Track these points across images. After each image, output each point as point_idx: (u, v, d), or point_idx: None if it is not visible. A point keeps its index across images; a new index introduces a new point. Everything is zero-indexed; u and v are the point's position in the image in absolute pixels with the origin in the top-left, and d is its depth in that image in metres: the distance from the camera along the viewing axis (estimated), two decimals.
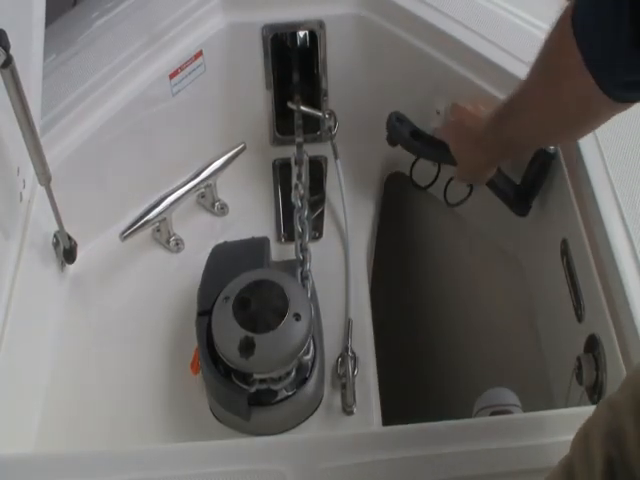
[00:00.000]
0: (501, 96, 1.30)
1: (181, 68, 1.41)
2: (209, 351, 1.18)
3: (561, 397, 1.24)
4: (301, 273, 1.31)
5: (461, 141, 1.25)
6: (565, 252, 1.22)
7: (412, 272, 1.77)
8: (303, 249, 1.35)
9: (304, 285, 1.29)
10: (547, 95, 1.01)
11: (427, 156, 1.41)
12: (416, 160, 1.45)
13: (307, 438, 1.08)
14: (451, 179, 1.38)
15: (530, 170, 1.30)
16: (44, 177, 1.14)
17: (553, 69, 0.98)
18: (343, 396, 1.21)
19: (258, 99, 1.54)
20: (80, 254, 1.32)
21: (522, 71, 1.27)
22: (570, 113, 1.00)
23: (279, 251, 1.41)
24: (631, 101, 0.91)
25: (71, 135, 1.30)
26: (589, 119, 1.01)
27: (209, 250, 1.33)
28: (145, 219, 1.35)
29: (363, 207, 1.50)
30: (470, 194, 1.38)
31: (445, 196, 1.40)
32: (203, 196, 1.48)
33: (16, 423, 1.11)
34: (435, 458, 0.91)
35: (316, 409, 1.21)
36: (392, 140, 1.44)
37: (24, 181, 1.21)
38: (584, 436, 0.67)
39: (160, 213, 1.37)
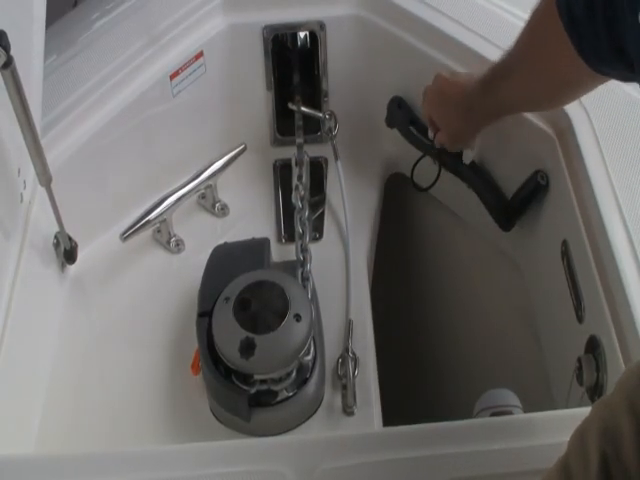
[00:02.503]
0: None
1: (182, 69, 1.41)
2: (209, 352, 1.18)
3: (562, 398, 1.24)
4: (301, 274, 1.31)
5: (445, 108, 1.28)
6: (565, 253, 1.22)
7: (412, 273, 1.77)
8: (303, 250, 1.35)
9: (304, 286, 1.29)
10: (532, 59, 1.06)
11: (418, 145, 1.44)
12: (417, 162, 1.46)
13: (307, 439, 1.08)
14: (417, 162, 1.42)
15: (519, 194, 1.32)
16: (45, 178, 1.14)
17: (539, 34, 1.02)
18: (344, 397, 1.20)
19: (258, 100, 1.54)
20: (81, 255, 1.32)
21: None
22: (553, 78, 1.05)
23: (279, 252, 1.41)
24: (609, 75, 0.94)
25: (72, 136, 1.30)
26: (571, 86, 1.06)
27: (209, 251, 1.33)
28: (145, 220, 1.35)
29: (363, 208, 1.50)
30: (438, 177, 1.40)
31: (412, 178, 1.44)
32: (204, 197, 1.48)
33: (16, 424, 1.11)
34: (436, 459, 0.91)
35: (316, 410, 1.21)
36: (390, 123, 1.48)
37: (25, 182, 1.21)
38: (580, 434, 0.67)
39: (161, 214, 1.37)
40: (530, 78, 1.09)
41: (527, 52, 1.08)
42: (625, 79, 0.94)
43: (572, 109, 1.23)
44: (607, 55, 0.87)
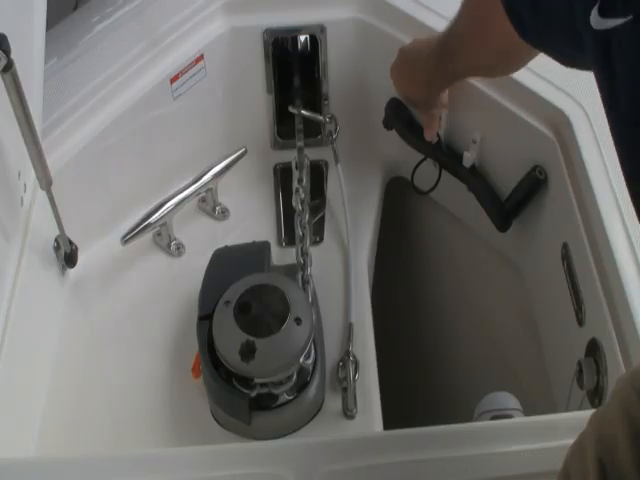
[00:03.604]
0: (500, 99, 1.31)
1: (182, 72, 1.41)
2: (210, 355, 1.18)
3: (562, 401, 1.24)
4: (302, 277, 1.31)
5: (407, 74, 1.33)
6: (566, 256, 1.22)
7: (413, 276, 1.77)
8: (304, 253, 1.35)
9: (305, 289, 1.28)
10: (473, 30, 1.11)
11: (417, 147, 1.44)
12: (417, 165, 1.46)
13: (308, 442, 1.07)
14: (418, 165, 1.44)
15: (517, 192, 1.32)
16: (45, 181, 1.14)
17: (479, 6, 1.06)
18: (344, 400, 1.20)
19: (259, 103, 1.54)
20: (81, 258, 1.32)
21: (521, 73, 1.28)
22: (493, 48, 1.08)
23: (280, 255, 1.41)
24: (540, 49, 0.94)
25: (72, 139, 1.30)
26: (510, 56, 1.09)
27: (210, 254, 1.33)
28: (146, 223, 1.35)
29: (364, 211, 1.50)
30: (438, 181, 1.41)
31: (413, 182, 1.45)
32: (204, 200, 1.48)
33: (17, 427, 1.11)
34: (436, 462, 0.91)
35: (317, 413, 1.21)
36: (387, 124, 1.48)
37: (25, 185, 1.21)
38: (579, 444, 0.68)
39: (161, 217, 1.37)
40: (471, 49, 1.14)
41: (468, 26, 1.12)
42: (565, 63, 0.94)
43: (569, 106, 1.23)
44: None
